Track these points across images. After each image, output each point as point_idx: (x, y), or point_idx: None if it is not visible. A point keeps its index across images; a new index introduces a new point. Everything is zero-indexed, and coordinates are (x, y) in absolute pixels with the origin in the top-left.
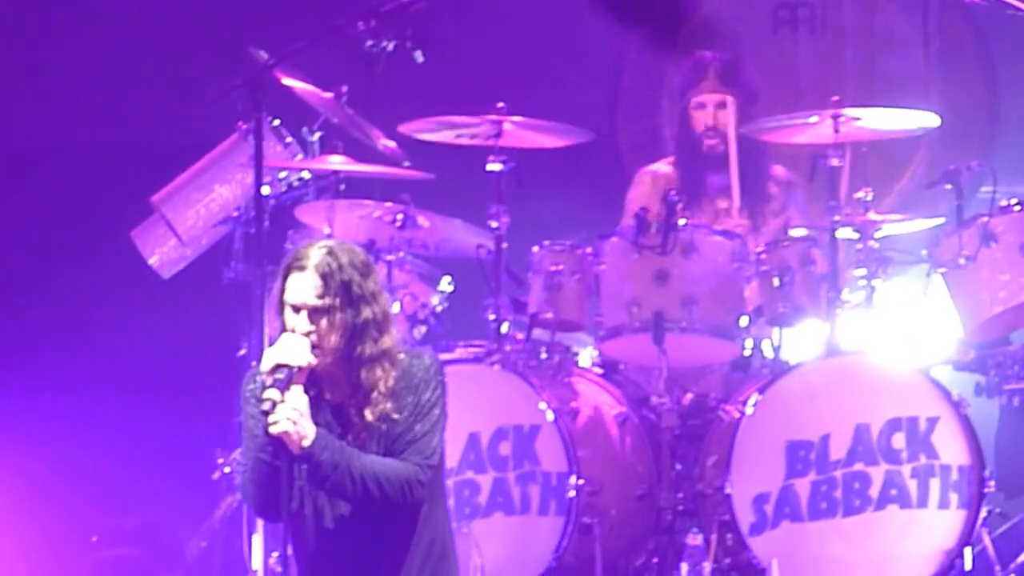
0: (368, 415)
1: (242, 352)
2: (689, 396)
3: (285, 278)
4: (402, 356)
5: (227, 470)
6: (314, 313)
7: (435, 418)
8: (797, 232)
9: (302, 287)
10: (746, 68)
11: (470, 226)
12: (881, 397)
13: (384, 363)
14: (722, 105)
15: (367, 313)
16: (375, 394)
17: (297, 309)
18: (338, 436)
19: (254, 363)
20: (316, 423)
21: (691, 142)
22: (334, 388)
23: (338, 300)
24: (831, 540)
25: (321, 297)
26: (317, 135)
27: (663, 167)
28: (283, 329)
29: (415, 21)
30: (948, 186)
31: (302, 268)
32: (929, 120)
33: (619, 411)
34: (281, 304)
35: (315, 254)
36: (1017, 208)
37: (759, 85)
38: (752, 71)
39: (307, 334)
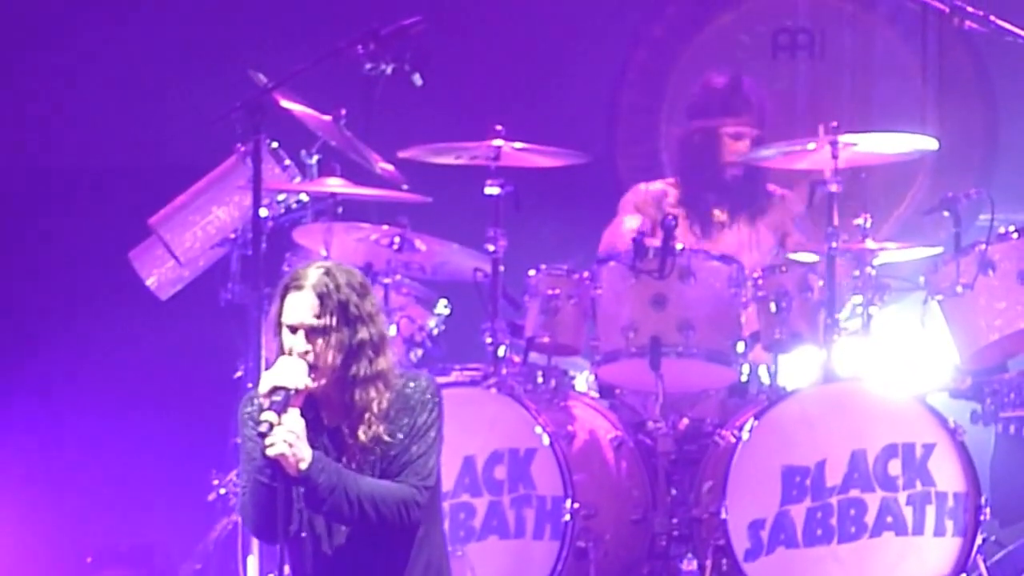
0: (361, 436)
1: (239, 374)
2: (685, 421)
3: (283, 298)
4: (399, 378)
5: (222, 491)
6: (311, 333)
7: (431, 440)
8: (799, 255)
9: (299, 307)
10: (766, 101)
11: (467, 249)
12: (877, 424)
13: (378, 384)
14: (739, 136)
15: (363, 334)
16: (368, 415)
17: (294, 329)
18: (335, 458)
19: (250, 385)
20: (314, 446)
21: (706, 163)
22: (331, 410)
23: (335, 320)
24: (826, 566)
25: (318, 317)
26: (315, 158)
27: (657, 184)
28: (280, 349)
29: (414, 44)
30: (946, 213)
31: (299, 288)
32: (927, 144)
33: (615, 435)
34: (278, 324)
35: (312, 274)
36: (1015, 236)
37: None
38: (766, 99)
39: (304, 354)
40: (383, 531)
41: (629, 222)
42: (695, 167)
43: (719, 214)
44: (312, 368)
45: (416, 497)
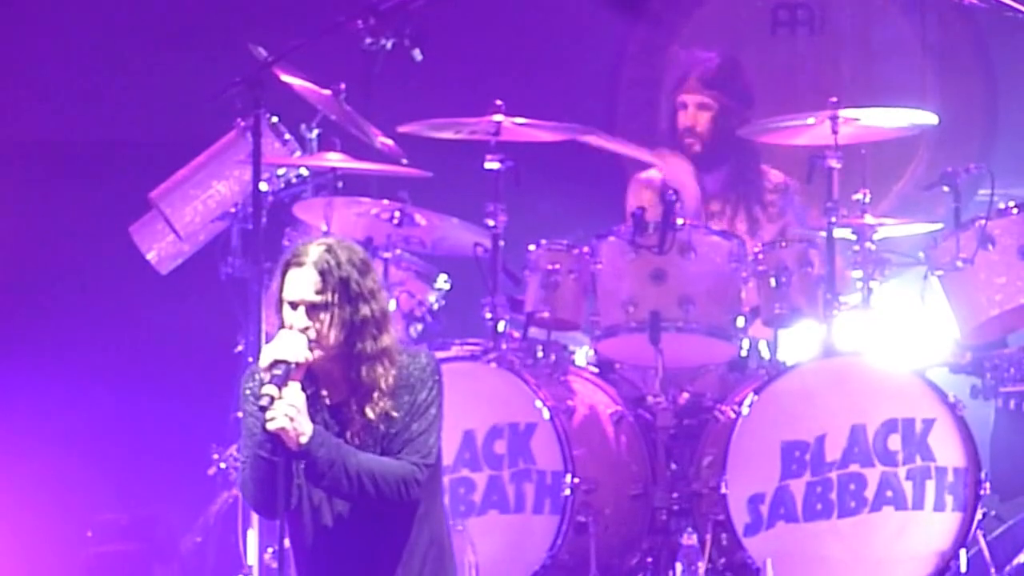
0: (369, 413)
1: (239, 348)
2: (685, 396)
3: (283, 274)
4: (401, 355)
5: (223, 466)
6: (312, 309)
7: (432, 417)
8: (794, 236)
9: (300, 283)
10: (738, 72)
11: (467, 224)
12: (877, 399)
13: (384, 361)
14: (703, 107)
15: (365, 311)
16: (376, 392)
17: (295, 305)
18: (336, 434)
19: (251, 359)
20: (314, 421)
21: (673, 138)
22: (332, 386)
23: (336, 297)
24: (826, 541)
25: (319, 293)
26: (315, 132)
27: (654, 173)
28: (281, 326)
29: (413, 19)
30: (946, 188)
31: (300, 264)
32: (927, 119)
33: (615, 410)
34: (279, 300)
35: (314, 251)
36: (1015, 211)
37: (753, 89)
38: (746, 75)
39: (305, 330)
40: (384, 507)
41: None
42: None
43: (712, 202)
44: (313, 344)
45: (416, 474)
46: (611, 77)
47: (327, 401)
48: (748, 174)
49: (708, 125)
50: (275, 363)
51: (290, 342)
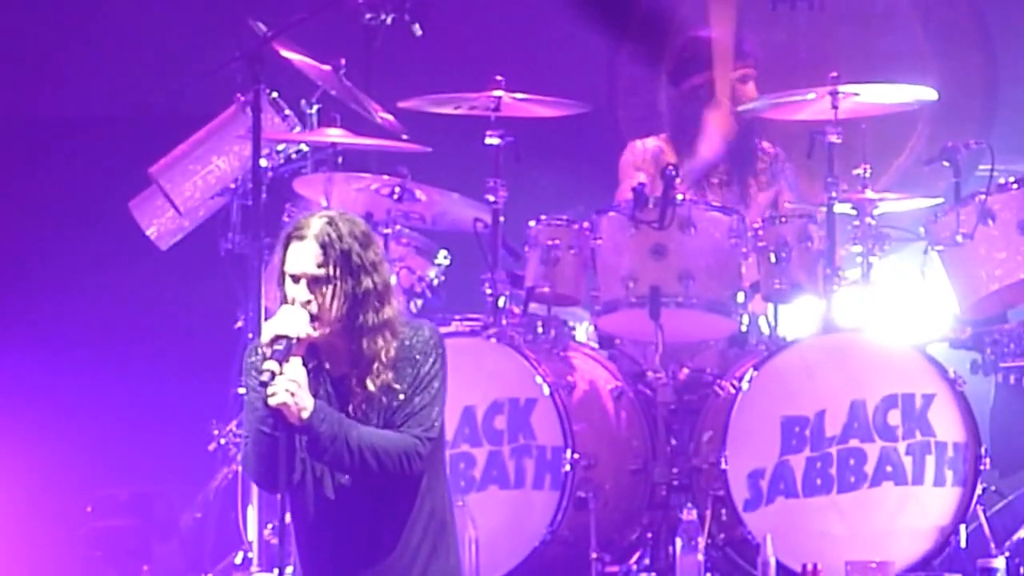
0: (370, 385)
1: (239, 324)
2: (685, 371)
3: (285, 248)
4: (403, 328)
5: (223, 441)
6: (314, 282)
7: (435, 391)
8: (789, 207)
9: (302, 256)
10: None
11: (467, 199)
12: (877, 374)
13: (386, 333)
14: (748, 78)
15: (367, 283)
16: (377, 364)
17: (296, 279)
18: (339, 408)
19: (251, 335)
20: (316, 395)
21: (693, 117)
22: (335, 360)
23: (338, 270)
24: (826, 516)
25: (321, 266)
26: (315, 108)
27: (652, 141)
28: (283, 299)
29: None
30: (946, 163)
31: (302, 238)
32: (927, 94)
33: (615, 386)
34: (281, 274)
35: (315, 224)
36: (1015, 186)
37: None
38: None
39: (306, 304)
40: (386, 481)
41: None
42: (689, 124)
43: (711, 178)
44: (315, 318)
45: (418, 448)
46: (610, 53)
47: (329, 375)
48: (747, 145)
49: (754, 94)
50: (276, 338)
51: (291, 317)
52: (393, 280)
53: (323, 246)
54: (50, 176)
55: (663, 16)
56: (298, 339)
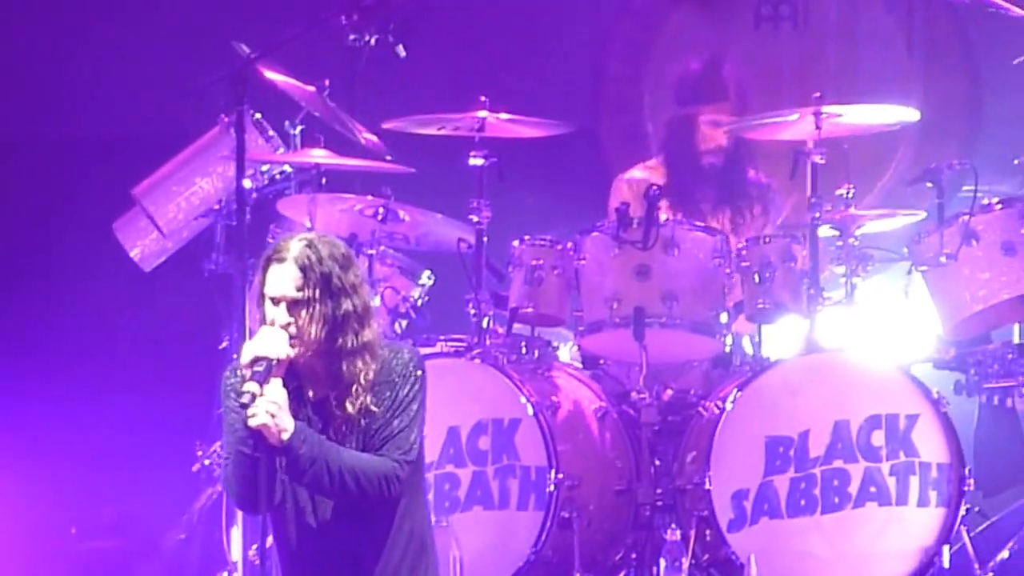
0: (349, 408)
1: (223, 344)
2: (669, 392)
3: (265, 270)
4: (383, 350)
5: (206, 462)
6: (293, 305)
7: (413, 413)
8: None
9: (281, 279)
10: (746, 82)
11: (451, 220)
12: (861, 394)
13: (365, 356)
14: (719, 122)
15: (347, 306)
16: (356, 387)
17: (276, 301)
18: (319, 430)
19: (235, 356)
20: (297, 417)
21: (687, 150)
22: (315, 382)
23: (317, 292)
24: (810, 537)
25: (300, 289)
26: (299, 129)
27: (638, 172)
28: (263, 321)
29: (397, 15)
30: (929, 184)
31: (282, 260)
32: (909, 115)
33: (599, 406)
34: (261, 296)
35: (295, 246)
36: (998, 207)
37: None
38: (736, 75)
39: (286, 326)
40: (365, 503)
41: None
42: (676, 154)
43: (703, 204)
44: (295, 340)
45: (397, 471)
46: (595, 73)
47: (310, 397)
48: (737, 174)
49: (724, 139)
50: (256, 359)
51: (271, 338)
52: (377, 301)
53: (303, 269)
54: (33, 197)
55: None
56: (278, 360)
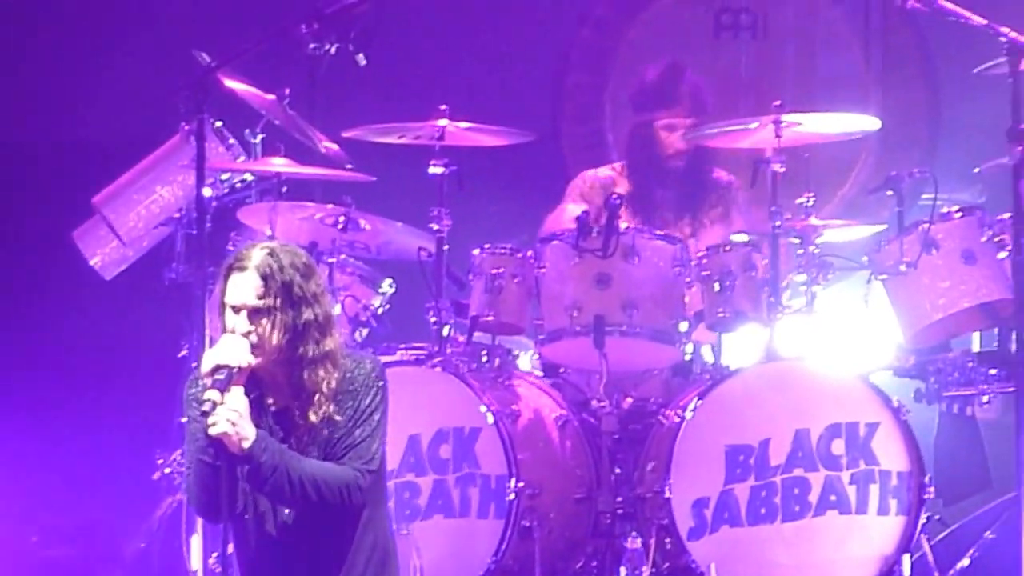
0: (311, 417)
1: (183, 353)
2: (629, 400)
3: (226, 279)
4: (345, 360)
5: (167, 471)
6: (254, 314)
7: (375, 423)
8: (738, 237)
9: (242, 288)
10: (703, 87)
11: (412, 228)
12: (821, 403)
13: (327, 365)
14: (691, 128)
15: (308, 315)
16: (318, 396)
17: (237, 310)
18: (280, 439)
19: (195, 364)
20: (258, 426)
21: (649, 157)
22: (276, 391)
23: (278, 301)
24: (770, 545)
25: (261, 298)
26: (259, 137)
27: (605, 171)
28: (224, 330)
29: (358, 24)
30: (889, 192)
31: (243, 269)
32: (870, 124)
33: (559, 414)
34: (222, 305)
35: (256, 255)
36: (958, 215)
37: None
38: (703, 85)
39: (247, 335)
40: (327, 512)
41: (572, 210)
42: (637, 161)
43: (666, 211)
44: (256, 348)
45: (359, 480)
46: (556, 82)
47: (271, 406)
48: (699, 178)
49: (689, 142)
50: (217, 368)
51: (232, 346)
52: (337, 309)
53: (264, 277)
54: None
55: None
56: (239, 369)
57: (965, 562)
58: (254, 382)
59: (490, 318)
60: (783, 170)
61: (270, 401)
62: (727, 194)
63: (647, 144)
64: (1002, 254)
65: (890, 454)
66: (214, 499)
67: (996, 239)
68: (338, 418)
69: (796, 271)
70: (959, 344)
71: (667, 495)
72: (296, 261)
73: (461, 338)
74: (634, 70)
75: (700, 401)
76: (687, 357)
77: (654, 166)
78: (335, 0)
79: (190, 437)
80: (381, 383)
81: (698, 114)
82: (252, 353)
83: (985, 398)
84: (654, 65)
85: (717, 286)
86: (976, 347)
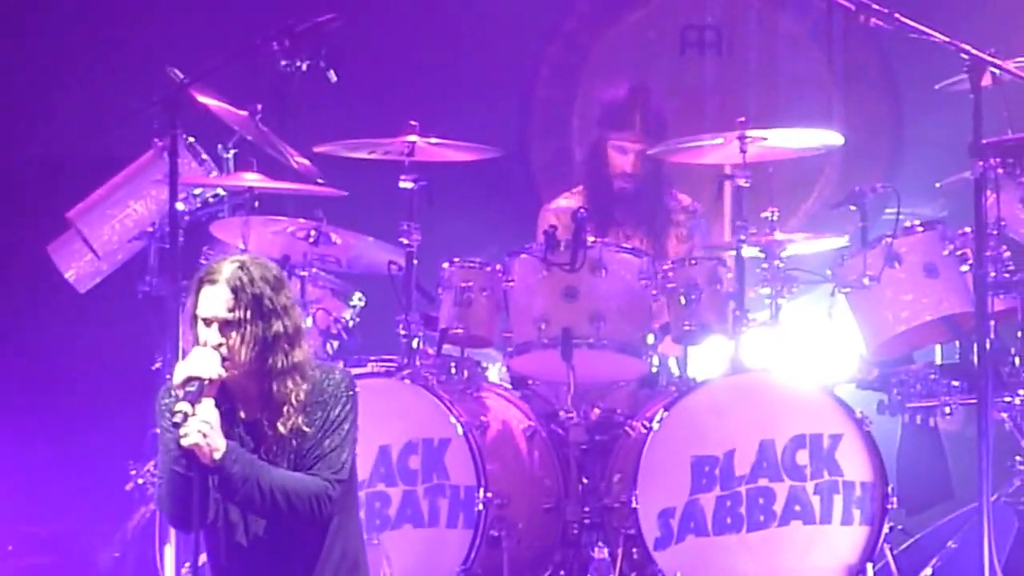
0: (281, 428)
1: (156, 365)
2: (596, 411)
3: (197, 292)
4: (314, 371)
5: (140, 481)
6: (225, 326)
7: (345, 433)
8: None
9: (213, 300)
10: (661, 107)
11: (382, 243)
12: (786, 414)
13: (296, 376)
14: (642, 154)
15: (278, 327)
16: (287, 407)
17: (208, 322)
18: (251, 450)
19: (168, 376)
20: (230, 437)
21: (600, 175)
22: (247, 402)
23: (249, 314)
24: (736, 555)
25: (232, 310)
26: (232, 152)
27: (563, 201)
28: (196, 342)
29: (328, 41)
30: (853, 207)
31: (214, 282)
32: (833, 139)
33: (528, 425)
34: (194, 317)
35: (227, 268)
36: (920, 229)
37: (666, 115)
38: (658, 102)
39: (218, 347)
40: (297, 522)
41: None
42: (591, 178)
43: (625, 229)
44: (226, 360)
45: (328, 491)
46: (524, 97)
47: (242, 417)
48: (659, 198)
49: (640, 165)
50: (189, 380)
51: (203, 359)
52: (309, 322)
53: (234, 290)
54: None
55: None
56: (210, 380)
57: (928, 572)
58: (225, 394)
59: (459, 331)
60: (748, 185)
61: (241, 413)
62: (692, 217)
63: (598, 163)
64: (964, 268)
65: (854, 465)
66: (186, 509)
67: (958, 253)
68: (307, 429)
69: (761, 284)
70: (922, 356)
71: (634, 505)
72: (267, 274)
73: (431, 351)
74: (599, 86)
75: (666, 413)
76: (654, 369)
77: (605, 184)
78: (306, 18)
79: (163, 447)
80: (351, 393)
81: (652, 139)
82: (223, 365)
83: (947, 409)
84: (617, 85)
85: (683, 299)
86: (938, 359)
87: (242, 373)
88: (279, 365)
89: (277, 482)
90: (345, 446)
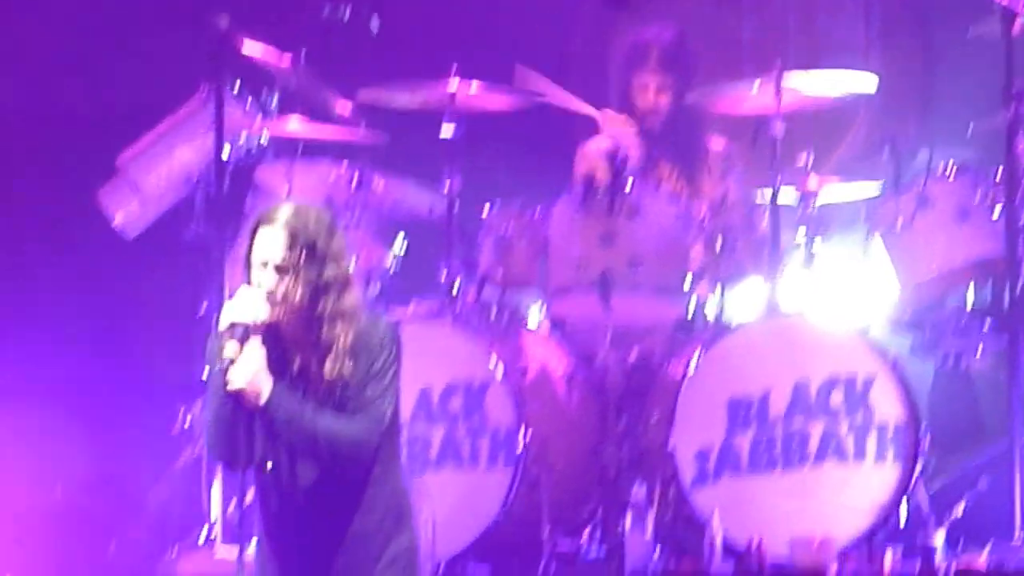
0: (326, 373)
1: (202, 310)
2: (634, 354)
3: (253, 234)
4: (361, 318)
5: (187, 423)
6: (280, 269)
7: (387, 383)
8: (736, 202)
9: (270, 243)
10: (688, 48)
11: (423, 188)
12: (820, 356)
13: (344, 321)
14: (663, 88)
15: (330, 272)
16: (334, 351)
17: (264, 264)
18: (295, 393)
19: (214, 321)
20: (278, 379)
21: (629, 112)
22: (295, 345)
23: (303, 257)
24: (771, 493)
25: (288, 253)
26: (275, 99)
27: (601, 141)
28: (248, 284)
29: None
30: (886, 153)
31: (272, 222)
32: (868, 81)
33: (566, 369)
34: (248, 259)
35: (285, 211)
36: (952, 174)
37: (700, 62)
38: (693, 49)
39: (272, 289)
40: (340, 467)
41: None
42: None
43: (659, 171)
44: (278, 303)
45: (370, 436)
46: (561, 45)
47: (291, 360)
48: (694, 140)
49: (668, 105)
50: (234, 324)
51: (248, 302)
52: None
53: (291, 234)
54: (15, 167)
55: None
56: (255, 323)
57: (959, 511)
58: (273, 337)
59: (499, 275)
60: (783, 130)
61: (290, 356)
62: (727, 161)
63: (623, 99)
64: (995, 212)
65: (887, 405)
66: (233, 450)
67: (989, 197)
68: (352, 375)
69: (796, 228)
70: (954, 299)
71: (671, 446)
72: (322, 219)
73: (471, 294)
74: (635, 31)
75: (703, 355)
76: (690, 313)
77: (636, 121)
78: None
79: (210, 390)
80: (396, 344)
81: (673, 75)
82: (273, 309)
83: (979, 352)
84: (648, 26)
85: (720, 243)
86: (971, 302)
87: (293, 317)
88: (329, 310)
89: (321, 425)
90: (387, 396)
